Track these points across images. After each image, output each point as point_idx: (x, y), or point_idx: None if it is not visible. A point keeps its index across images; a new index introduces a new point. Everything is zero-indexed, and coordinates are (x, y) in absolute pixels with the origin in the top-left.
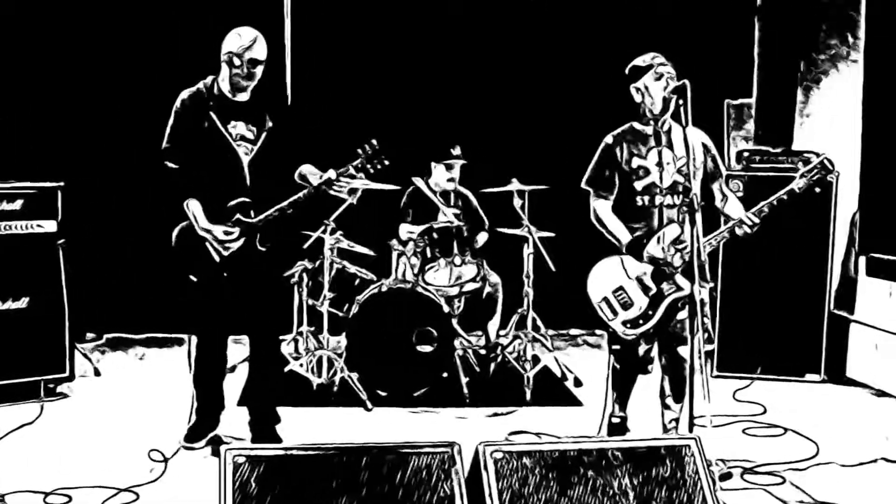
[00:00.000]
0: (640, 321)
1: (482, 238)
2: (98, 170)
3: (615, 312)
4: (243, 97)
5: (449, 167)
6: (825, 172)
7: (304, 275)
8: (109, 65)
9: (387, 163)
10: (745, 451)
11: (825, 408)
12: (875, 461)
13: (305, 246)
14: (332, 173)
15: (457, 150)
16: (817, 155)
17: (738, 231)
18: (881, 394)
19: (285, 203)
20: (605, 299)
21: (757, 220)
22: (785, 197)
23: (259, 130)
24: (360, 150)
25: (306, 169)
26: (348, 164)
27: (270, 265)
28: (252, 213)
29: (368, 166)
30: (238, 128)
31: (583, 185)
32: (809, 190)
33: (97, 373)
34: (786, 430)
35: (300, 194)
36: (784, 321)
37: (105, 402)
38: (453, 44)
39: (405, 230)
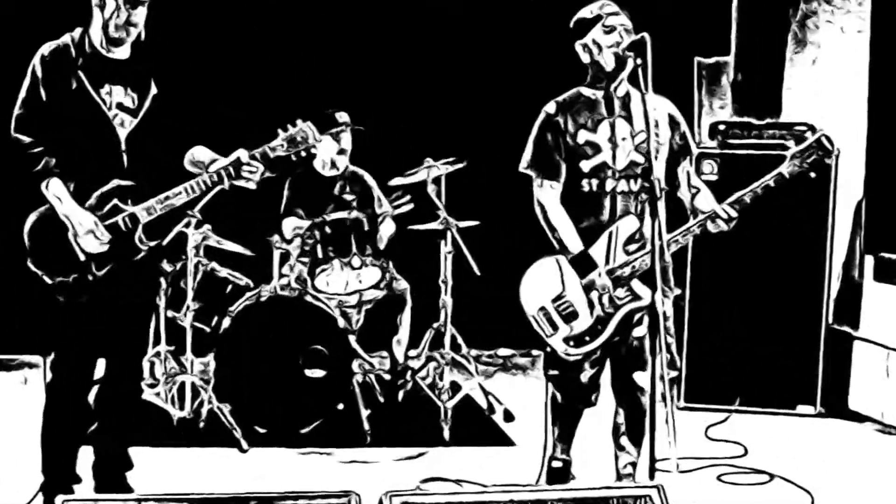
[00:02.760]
0: (587, 338)
1: (387, 230)
2: None
3: (555, 326)
4: (121, 53)
5: (336, 137)
6: (823, 153)
7: (163, 280)
8: None
9: (315, 151)
10: (722, 502)
11: (822, 448)
12: None
13: (164, 242)
14: (241, 154)
15: (343, 116)
16: (813, 130)
17: (711, 227)
18: (893, 430)
19: (172, 193)
20: (543, 310)
21: (735, 214)
22: (771, 184)
23: (141, 97)
24: (281, 130)
25: (199, 153)
26: (265, 146)
27: (152, 269)
28: (131, 202)
29: (291, 150)
30: (115, 93)
31: (522, 168)
32: (803, 175)
33: None
34: (772, 476)
35: (191, 182)
36: (770, 339)
37: None
38: None
39: (290, 225)
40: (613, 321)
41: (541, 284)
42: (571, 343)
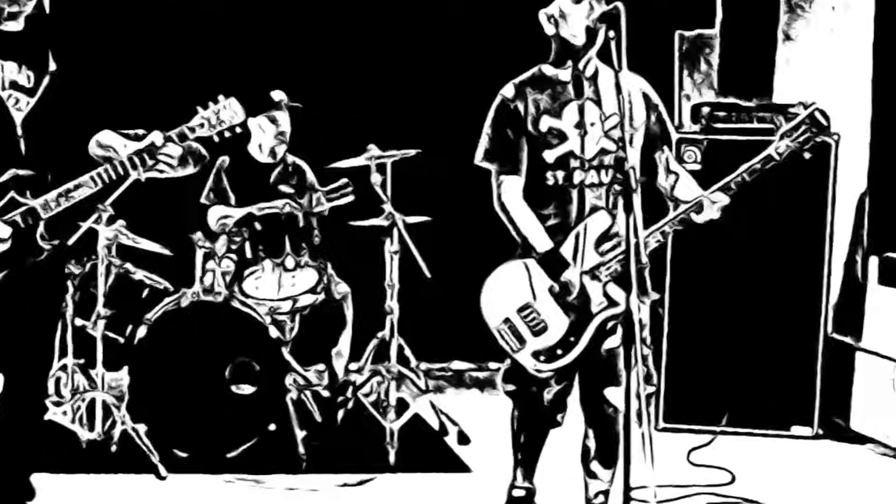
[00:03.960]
0: (559, 351)
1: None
2: None
3: (522, 340)
4: (14, 26)
5: (273, 120)
6: (817, 130)
7: (70, 283)
8: None
9: (238, 131)
10: None
11: (820, 474)
12: None
13: (71, 241)
14: (156, 137)
15: (279, 95)
16: (805, 106)
17: (697, 218)
18: None
19: (76, 184)
20: (508, 322)
21: (726, 200)
22: (760, 167)
23: (38, 75)
24: (200, 108)
25: (107, 137)
26: (182, 126)
27: (56, 271)
28: (30, 194)
29: (214, 130)
30: (7, 70)
31: (477, 161)
32: (795, 157)
33: None
34: None
35: (99, 171)
36: (760, 351)
37: None
38: None
39: (217, 214)
40: (588, 331)
41: (506, 292)
42: (542, 358)
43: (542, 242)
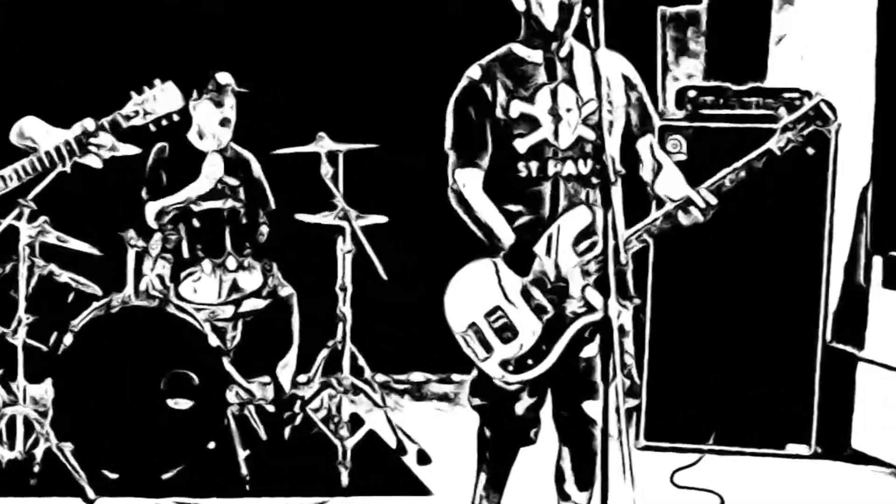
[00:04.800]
0: (530, 360)
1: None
2: None
3: (489, 348)
4: None
5: (217, 103)
6: (822, 123)
7: None
8: None
9: (176, 118)
10: None
11: (817, 498)
12: None
13: None
14: (87, 124)
15: (224, 77)
16: (809, 95)
17: (684, 219)
18: None
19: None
20: (474, 326)
21: (714, 201)
22: (758, 164)
23: None
24: (134, 93)
25: (30, 125)
26: (115, 113)
27: None
28: None
29: (150, 118)
30: None
31: (448, 147)
32: (797, 152)
33: None
34: None
35: (22, 163)
36: (752, 361)
37: None
38: None
39: (155, 209)
40: (563, 339)
41: (472, 294)
42: (510, 368)
43: (507, 235)
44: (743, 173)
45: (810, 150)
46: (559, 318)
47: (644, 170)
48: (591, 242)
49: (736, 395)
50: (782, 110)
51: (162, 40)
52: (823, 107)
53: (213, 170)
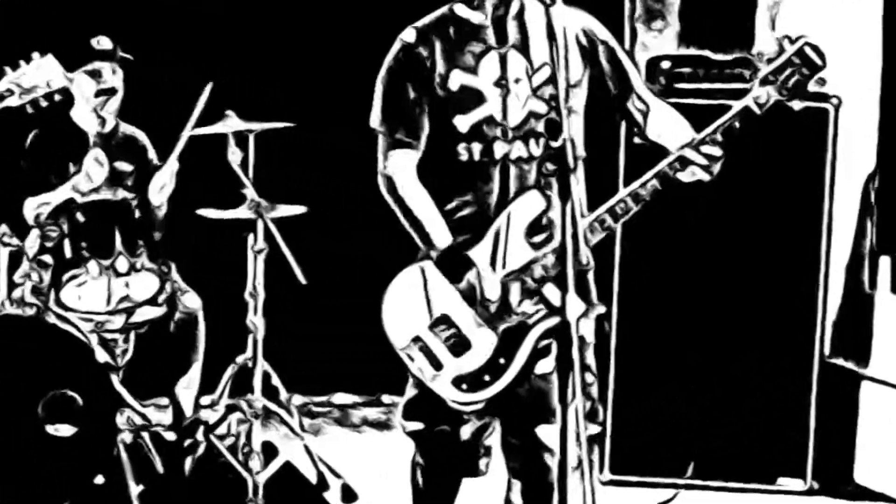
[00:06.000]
0: (486, 377)
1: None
2: None
3: (438, 364)
4: None
5: (95, 73)
6: (809, 71)
7: None
8: None
9: (58, 98)
10: None
11: None
12: None
13: None
14: None
15: (104, 42)
16: (791, 40)
17: (683, 174)
18: None
19: None
20: (419, 341)
21: (718, 153)
22: (737, 124)
23: None
24: (9, 69)
25: None
26: None
27: None
28: None
29: (26, 98)
30: None
31: (374, 123)
32: (782, 108)
33: None
34: None
35: None
36: (736, 381)
37: None
38: None
39: (35, 204)
40: (523, 349)
41: (415, 302)
42: (465, 386)
43: (441, 236)
44: (719, 136)
45: (797, 106)
46: (518, 324)
47: (645, 127)
48: (546, 236)
49: (718, 420)
50: (762, 61)
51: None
52: (809, 51)
53: (95, 171)
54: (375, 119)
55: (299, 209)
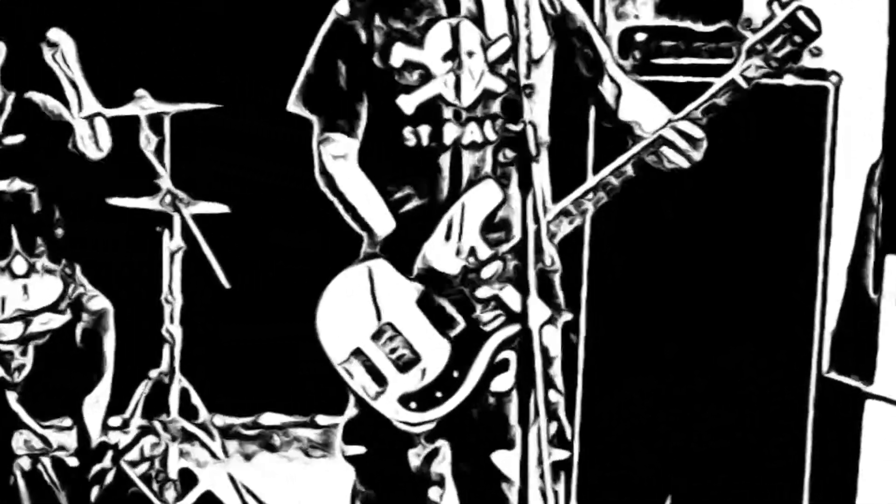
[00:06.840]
0: (438, 393)
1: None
2: None
3: (382, 380)
4: None
5: None
6: (803, 38)
7: None
8: None
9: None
10: None
11: None
12: None
13: None
14: None
15: None
16: (782, 5)
17: (660, 160)
18: None
19: None
20: (360, 354)
21: (699, 134)
22: (721, 102)
23: None
24: None
25: None
26: None
27: None
28: None
29: None
30: None
31: (292, 105)
32: (777, 97)
33: None
34: None
35: None
36: (721, 401)
37: None
38: None
39: None
40: (479, 361)
41: (352, 311)
42: (414, 405)
43: (383, 222)
44: (700, 113)
45: (789, 81)
46: (472, 332)
47: (615, 108)
48: (504, 232)
49: (700, 446)
50: (748, 30)
51: None
52: (801, 16)
53: None
54: (294, 98)
55: (221, 208)
